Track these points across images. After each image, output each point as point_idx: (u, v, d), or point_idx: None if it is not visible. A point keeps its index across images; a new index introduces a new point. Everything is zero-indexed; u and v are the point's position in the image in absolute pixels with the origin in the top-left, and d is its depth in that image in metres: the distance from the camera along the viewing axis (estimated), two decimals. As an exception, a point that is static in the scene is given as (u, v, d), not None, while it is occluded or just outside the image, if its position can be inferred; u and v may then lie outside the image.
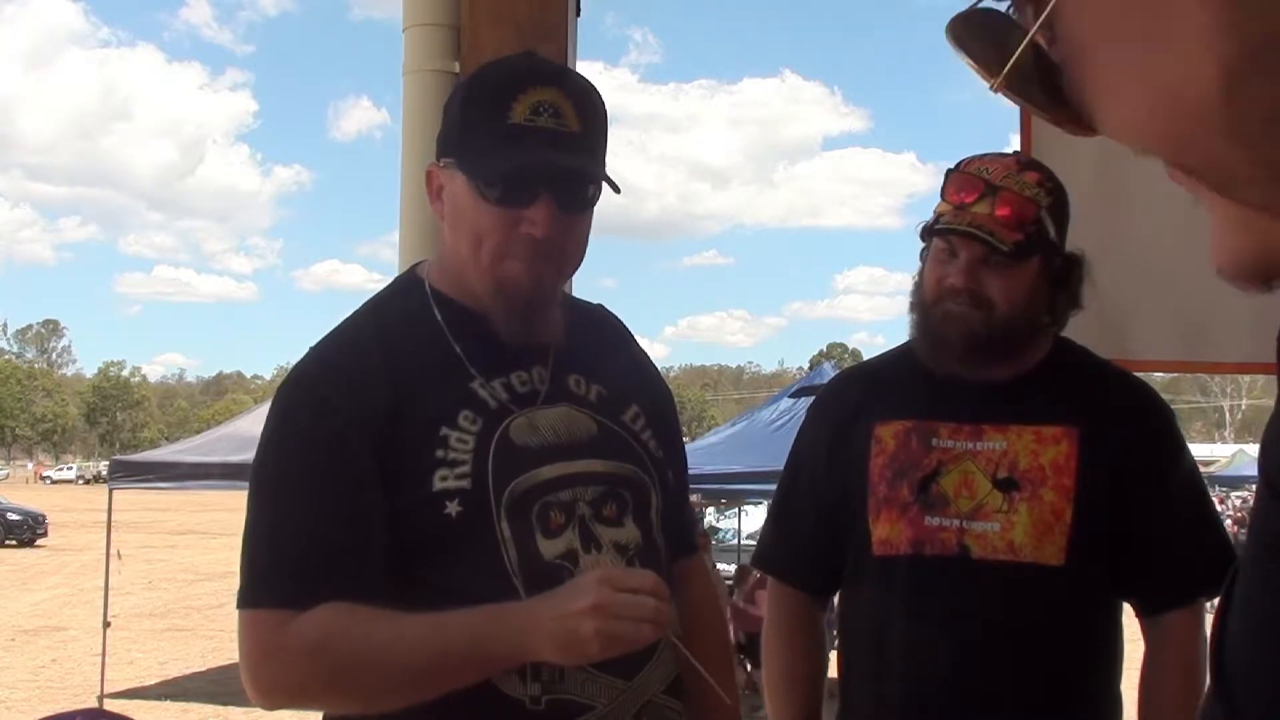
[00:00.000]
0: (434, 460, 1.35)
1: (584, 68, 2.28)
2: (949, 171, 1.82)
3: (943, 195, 1.80)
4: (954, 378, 1.81)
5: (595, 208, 1.43)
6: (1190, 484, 1.83)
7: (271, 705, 1.36)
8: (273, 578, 1.34)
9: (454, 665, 1.30)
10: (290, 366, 1.49)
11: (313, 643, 1.30)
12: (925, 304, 1.81)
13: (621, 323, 1.66)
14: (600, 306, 1.64)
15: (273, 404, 1.43)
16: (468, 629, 1.30)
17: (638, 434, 1.51)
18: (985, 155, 1.82)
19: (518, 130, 1.34)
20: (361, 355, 1.40)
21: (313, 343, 1.45)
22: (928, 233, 1.83)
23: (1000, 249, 1.72)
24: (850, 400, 1.94)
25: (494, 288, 1.40)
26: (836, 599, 2.00)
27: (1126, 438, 1.78)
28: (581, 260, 1.46)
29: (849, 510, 1.86)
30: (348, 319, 1.50)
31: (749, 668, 9.85)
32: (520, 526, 1.36)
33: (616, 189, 1.42)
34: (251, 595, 1.35)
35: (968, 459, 1.77)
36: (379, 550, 1.34)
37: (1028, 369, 1.81)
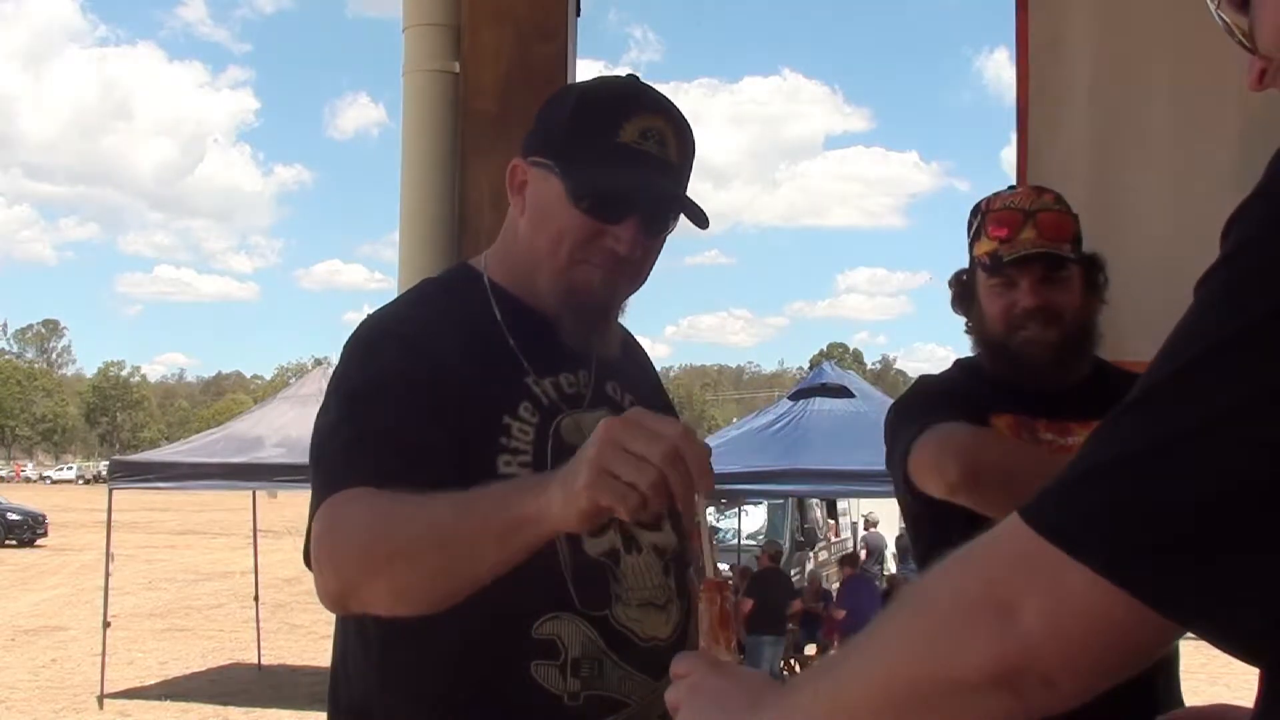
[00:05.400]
0: (498, 446, 1.37)
1: (585, 66, 2.28)
2: (980, 215, 1.94)
3: (982, 236, 1.92)
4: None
5: None
6: None
7: (333, 603, 1.27)
8: (317, 484, 1.30)
9: (474, 528, 1.19)
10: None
11: (325, 518, 1.24)
12: (999, 335, 1.90)
13: (635, 338, 1.69)
14: (618, 323, 1.67)
15: (339, 363, 1.42)
16: (491, 493, 1.21)
17: None
18: (1000, 193, 1.96)
19: (626, 150, 1.38)
20: (421, 330, 1.41)
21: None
22: (982, 271, 1.90)
23: (1068, 258, 1.86)
24: (976, 385, 1.97)
25: (566, 289, 1.42)
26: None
27: None
28: (646, 280, 1.49)
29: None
30: (400, 300, 1.52)
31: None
32: None
33: (705, 223, 1.42)
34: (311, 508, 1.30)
35: (1064, 454, 1.85)
36: (426, 459, 1.28)
37: (1079, 378, 1.92)
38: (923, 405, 2.00)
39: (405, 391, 1.33)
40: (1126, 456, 0.66)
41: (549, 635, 1.35)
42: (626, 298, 1.49)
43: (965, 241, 1.98)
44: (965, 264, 1.99)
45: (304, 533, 1.29)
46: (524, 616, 1.34)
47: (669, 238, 1.49)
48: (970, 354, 2.00)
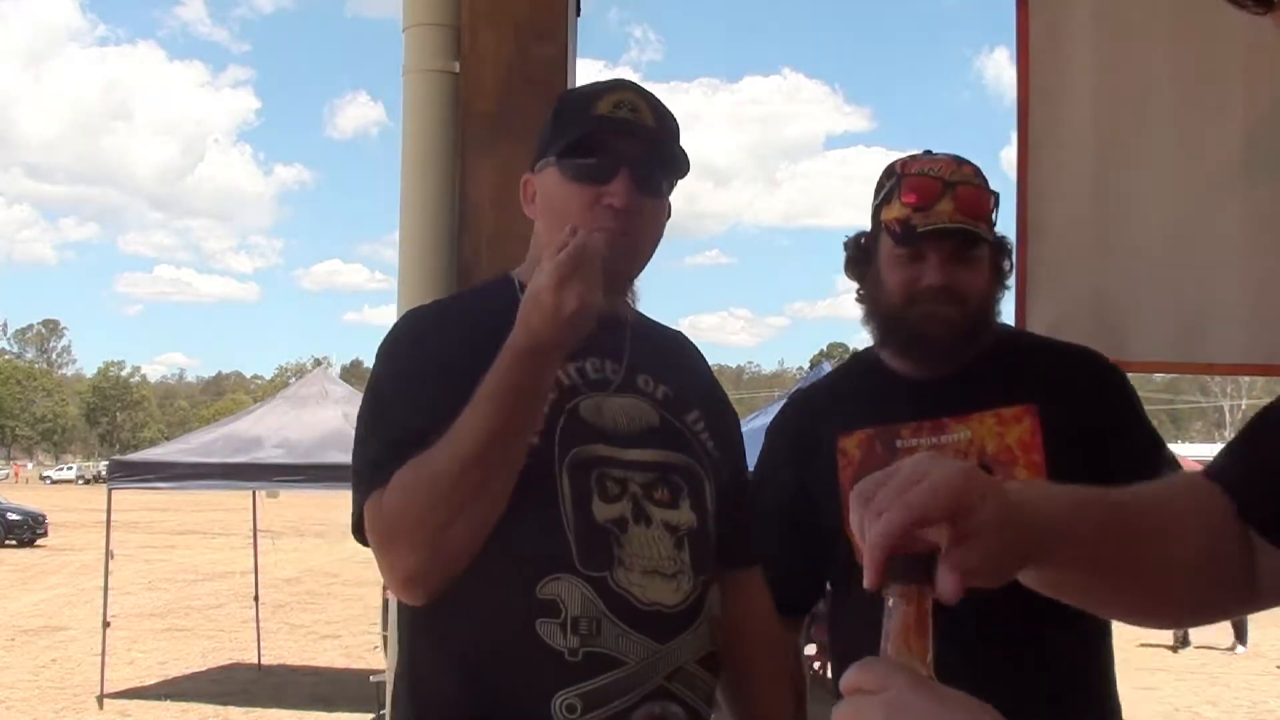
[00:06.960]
0: None
1: (585, 66, 2.29)
2: (895, 177, 1.82)
3: (895, 200, 1.80)
4: (905, 379, 1.84)
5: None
6: (1152, 437, 1.87)
7: (416, 584, 1.42)
8: (364, 472, 1.45)
9: (502, 406, 1.36)
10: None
11: (394, 494, 1.38)
12: (895, 308, 1.81)
13: (700, 351, 1.74)
14: (680, 333, 1.73)
15: (374, 365, 1.58)
16: (490, 375, 1.37)
17: (697, 433, 1.59)
18: (918, 157, 1.83)
19: (602, 120, 1.52)
20: (446, 328, 1.57)
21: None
22: (889, 238, 1.81)
23: (985, 239, 1.77)
24: (808, 418, 1.95)
25: None
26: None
27: (1083, 403, 1.80)
28: (653, 250, 1.58)
29: (824, 529, 1.85)
30: (432, 304, 1.69)
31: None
32: (579, 487, 1.45)
33: (686, 166, 1.56)
34: (356, 497, 1.45)
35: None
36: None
37: (974, 357, 1.83)
38: (761, 455, 1.99)
39: (429, 384, 1.46)
40: None
41: (551, 595, 1.42)
42: (633, 259, 1.55)
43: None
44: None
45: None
46: (530, 579, 1.42)
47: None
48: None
